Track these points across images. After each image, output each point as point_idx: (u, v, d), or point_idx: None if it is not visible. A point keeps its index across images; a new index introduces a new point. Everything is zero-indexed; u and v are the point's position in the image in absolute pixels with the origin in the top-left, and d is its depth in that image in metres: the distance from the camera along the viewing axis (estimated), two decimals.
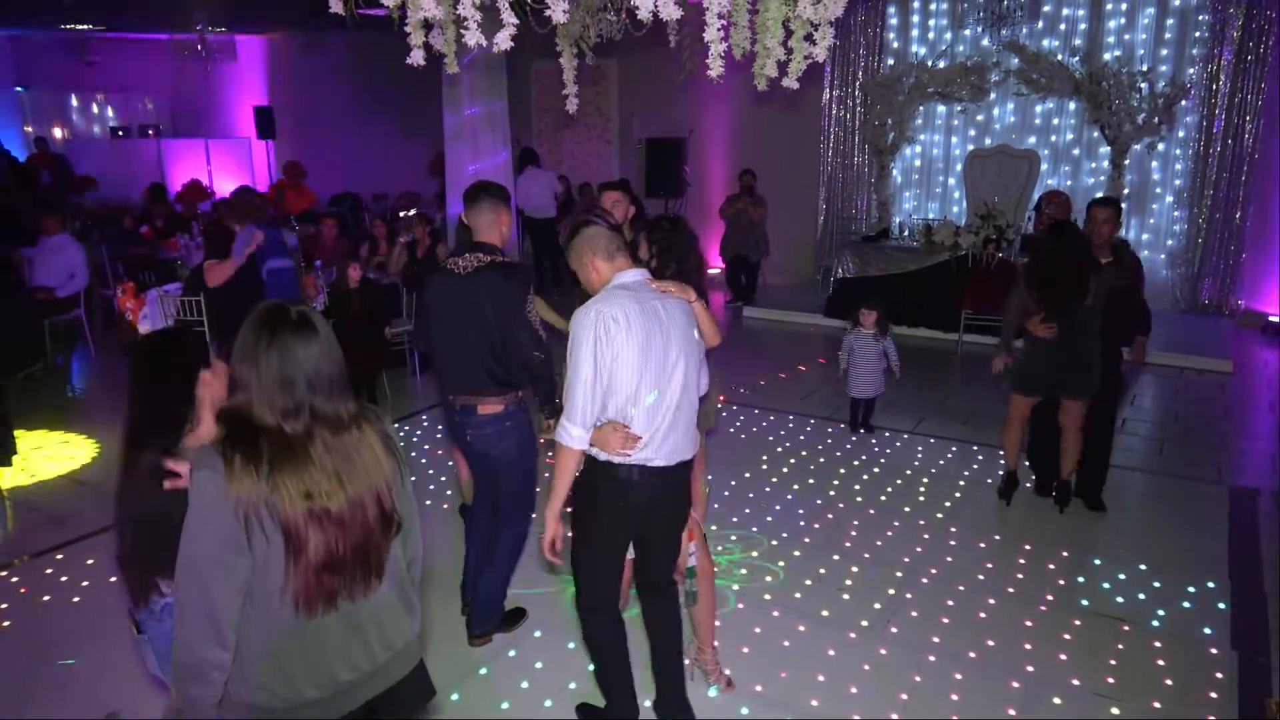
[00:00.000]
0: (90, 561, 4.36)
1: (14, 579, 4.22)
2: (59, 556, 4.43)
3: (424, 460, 5.65)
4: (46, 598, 4.07)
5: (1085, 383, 4.56)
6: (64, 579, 4.22)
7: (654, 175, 10.90)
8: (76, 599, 4.05)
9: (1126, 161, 8.41)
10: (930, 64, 9.32)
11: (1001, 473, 5.08)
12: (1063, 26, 9.12)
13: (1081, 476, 4.90)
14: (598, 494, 2.74)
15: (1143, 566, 4.26)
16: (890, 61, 9.93)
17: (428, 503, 5.00)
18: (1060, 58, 8.68)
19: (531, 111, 12.55)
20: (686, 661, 3.42)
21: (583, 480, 2.75)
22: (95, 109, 15.50)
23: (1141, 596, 4.01)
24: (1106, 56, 8.70)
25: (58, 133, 14.69)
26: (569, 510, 2.81)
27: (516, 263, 3.58)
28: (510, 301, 3.30)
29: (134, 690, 3.29)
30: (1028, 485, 5.12)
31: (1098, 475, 4.91)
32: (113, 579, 4.19)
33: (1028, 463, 5.15)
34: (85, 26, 13.48)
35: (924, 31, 9.83)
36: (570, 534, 2.86)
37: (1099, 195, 5.57)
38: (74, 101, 15.22)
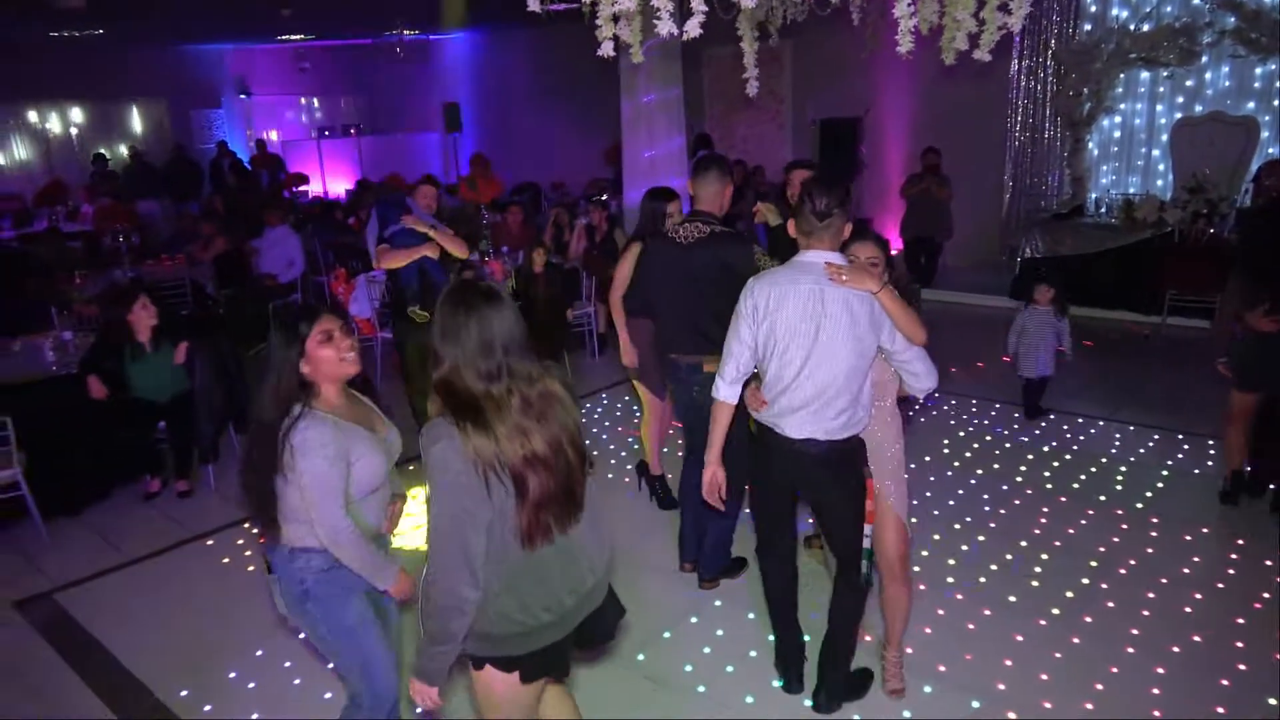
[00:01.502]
0: None
1: (255, 530, 4.77)
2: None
3: (605, 437, 5.89)
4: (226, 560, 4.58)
5: None
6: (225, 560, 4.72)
7: (828, 156, 10.74)
8: (251, 568, 4.53)
9: None
10: (1133, 27, 8.67)
11: (1225, 475, 4.66)
12: None
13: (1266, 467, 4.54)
14: (750, 441, 3.06)
15: None
16: (1087, 27, 9.30)
17: (609, 476, 5.23)
18: None
19: (704, 97, 12.64)
20: (868, 639, 3.48)
21: (743, 431, 3.10)
22: (304, 113, 16.92)
23: None
24: None
25: (274, 135, 16.13)
26: None
27: (738, 232, 3.82)
28: (739, 267, 3.46)
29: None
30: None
31: None
32: None
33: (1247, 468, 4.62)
34: (299, 37, 14.73)
35: None
36: None
37: None
38: (288, 106, 16.67)
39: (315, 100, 16.95)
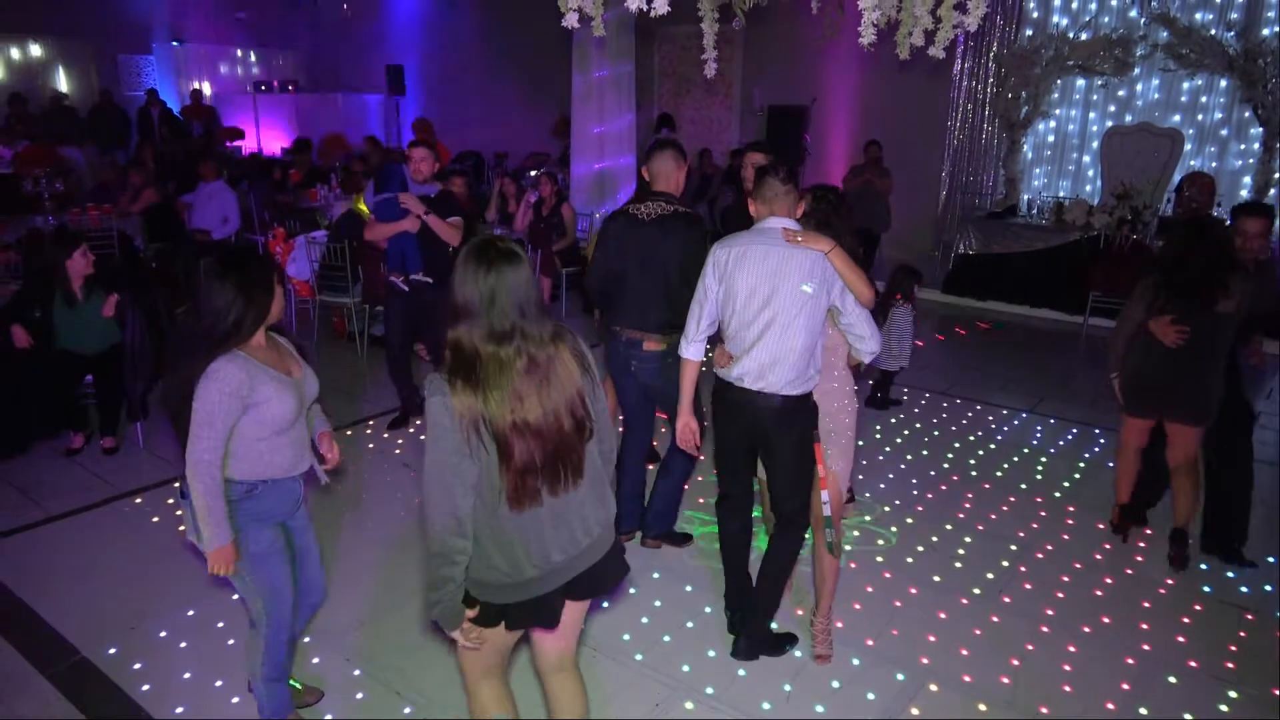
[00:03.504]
0: None
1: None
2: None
3: None
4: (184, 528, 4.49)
5: (1199, 403, 3.85)
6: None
7: (774, 142, 10.86)
8: None
9: (1279, 144, 7.96)
10: (1072, 35, 8.98)
11: (1113, 509, 4.39)
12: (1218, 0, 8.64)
13: (1212, 522, 4.18)
14: (713, 397, 3.23)
15: (1271, 559, 4.16)
16: (1029, 32, 9.59)
17: None
18: (1214, 32, 8.25)
19: (655, 76, 12.64)
20: (799, 613, 3.61)
21: (712, 388, 3.25)
22: (240, 65, 16.33)
23: (1269, 588, 3.93)
24: (1265, 32, 8.20)
25: (206, 87, 15.55)
26: None
27: (697, 215, 3.87)
28: (694, 248, 3.57)
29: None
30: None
31: (1238, 521, 4.11)
32: None
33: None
34: None
35: (1066, 2, 9.45)
36: None
37: (1249, 201, 4.68)
38: (222, 57, 16.06)
39: (252, 53, 16.37)
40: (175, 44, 15.19)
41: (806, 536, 3.28)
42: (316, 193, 9.71)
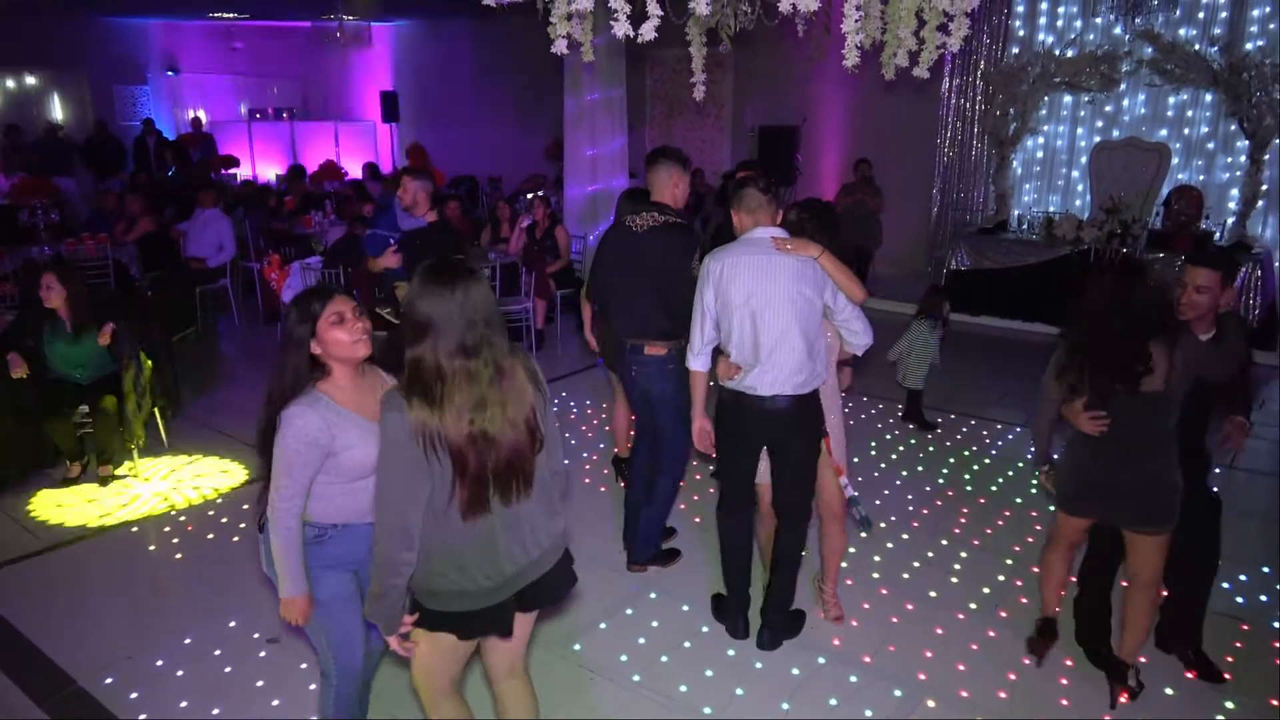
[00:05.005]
0: (245, 507, 4.78)
1: (182, 518, 4.68)
2: (219, 501, 4.88)
3: None
4: (210, 536, 4.50)
5: (1155, 502, 3.00)
6: (224, 520, 4.65)
7: (765, 163, 10.94)
8: (235, 538, 4.47)
9: (1266, 157, 8.01)
10: (1058, 53, 9.07)
11: (1037, 621, 3.52)
12: (1201, 15, 8.72)
13: (1168, 627, 3.47)
14: (718, 410, 3.37)
15: (1266, 570, 4.17)
16: (1015, 50, 9.69)
17: (566, 462, 5.26)
18: (1198, 48, 8.34)
19: (646, 98, 12.74)
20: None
21: (715, 396, 3.38)
22: (234, 94, 16.45)
23: (1264, 599, 3.95)
24: (1249, 46, 8.29)
25: (202, 115, 15.67)
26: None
27: (686, 224, 3.97)
28: (678, 257, 3.71)
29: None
30: None
31: (1190, 623, 3.43)
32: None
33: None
34: (232, 15, 14.33)
35: (1052, 19, 9.57)
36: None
37: (1204, 251, 4.04)
38: (218, 86, 16.18)
39: (247, 81, 16.50)
40: (170, 74, 15.32)
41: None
42: (311, 219, 9.76)
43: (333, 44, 13.47)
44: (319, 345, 2.39)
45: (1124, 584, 3.25)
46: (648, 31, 3.32)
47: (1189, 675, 3.38)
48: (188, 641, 3.60)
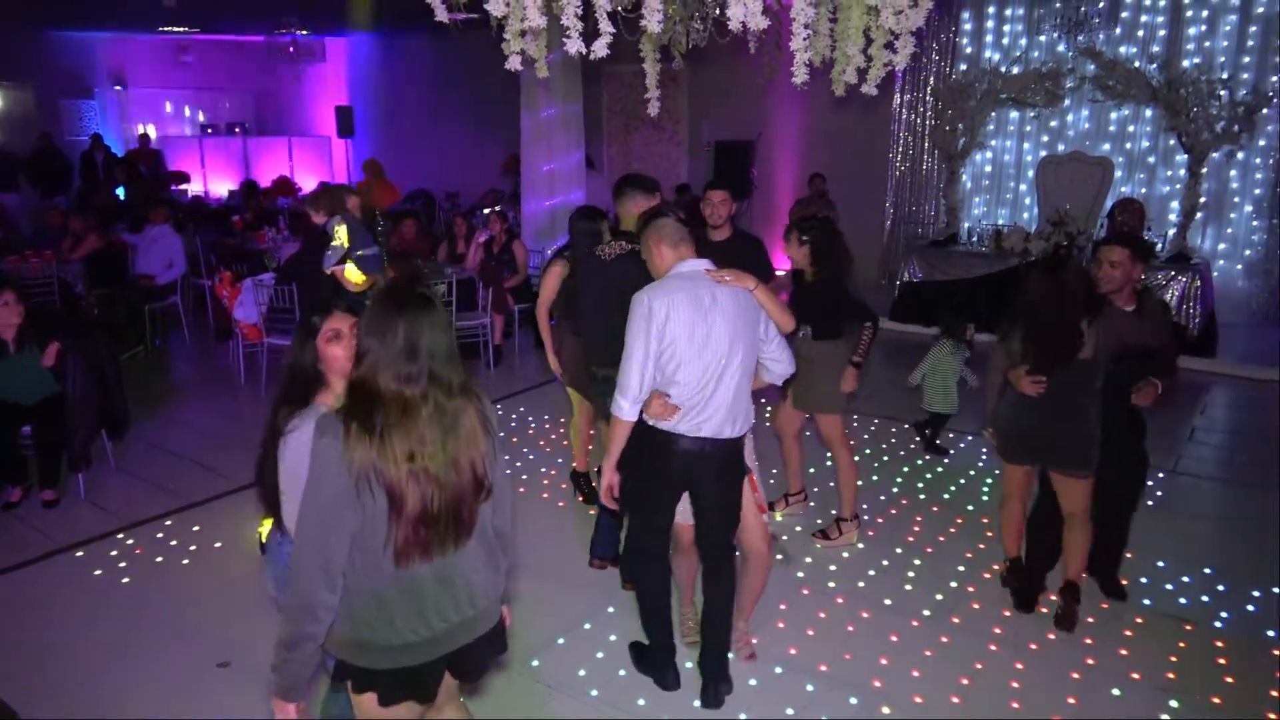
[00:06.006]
0: (196, 528, 4.70)
1: (129, 541, 4.58)
2: (168, 523, 4.78)
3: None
4: (159, 559, 4.41)
5: (1082, 450, 3.60)
6: (173, 543, 4.56)
7: (722, 177, 11.05)
8: (185, 560, 4.38)
9: (1204, 170, 8.28)
10: (1004, 69, 9.31)
11: (1003, 565, 4.13)
12: (1141, 33, 9.03)
13: (1103, 555, 4.03)
14: (644, 453, 3.09)
15: (1208, 570, 4.29)
16: (963, 66, 9.93)
17: (524, 478, 5.24)
18: (1138, 64, 8.60)
19: (603, 113, 12.80)
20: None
21: (635, 440, 3.08)
22: (187, 108, 16.21)
23: (1206, 599, 4.05)
24: (1186, 63, 8.58)
25: (152, 130, 15.41)
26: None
27: None
28: (640, 286, 3.59)
29: (243, 642, 3.58)
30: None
31: (1111, 558, 4.05)
32: (218, 544, 4.53)
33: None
34: (182, 29, 14.14)
35: (998, 37, 9.82)
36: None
37: (1116, 233, 4.60)
38: (168, 100, 15.93)
39: (198, 96, 16.26)
40: (118, 88, 15.05)
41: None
42: (264, 235, 9.65)
43: (286, 59, 13.36)
44: (318, 360, 2.43)
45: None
46: (600, 49, 3.34)
47: (1103, 605, 3.96)
48: (135, 669, 3.52)
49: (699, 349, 2.93)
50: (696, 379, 2.95)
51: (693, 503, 3.19)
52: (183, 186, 13.96)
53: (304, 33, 13.45)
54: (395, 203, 11.25)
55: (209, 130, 15.68)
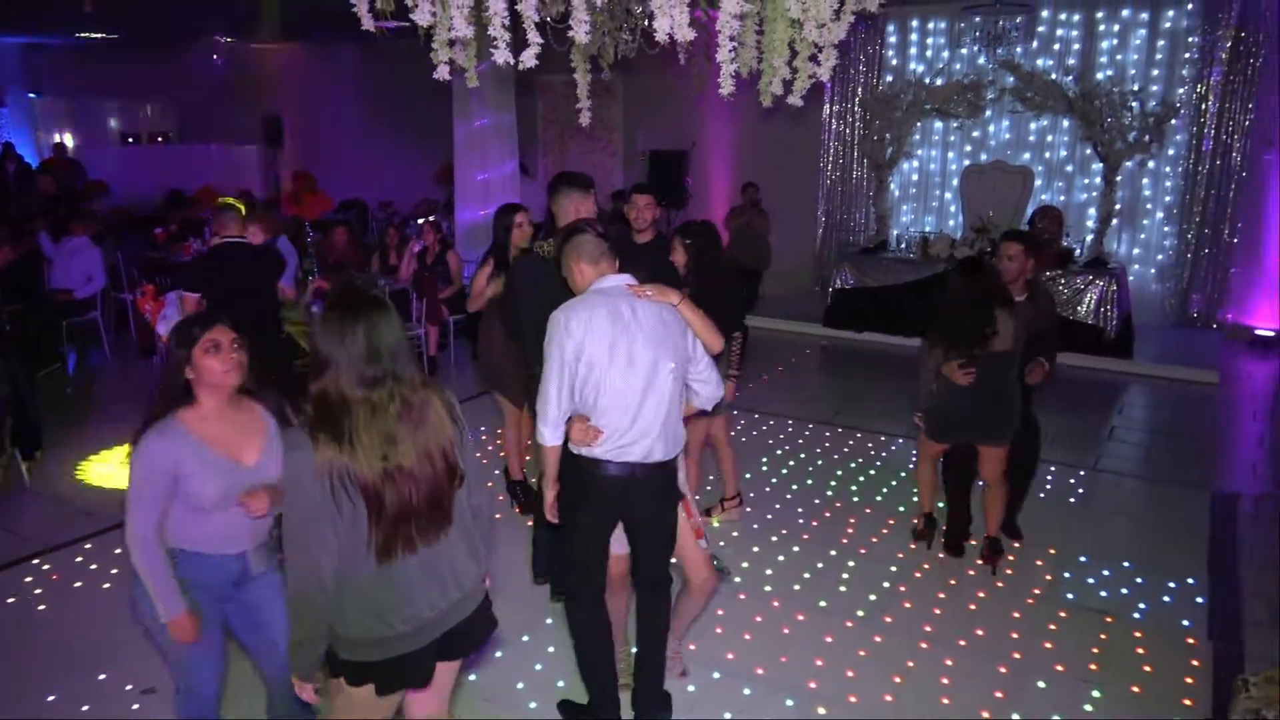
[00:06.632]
0: (118, 551, 4.53)
1: (45, 566, 4.40)
2: (88, 546, 4.61)
3: None
4: (78, 584, 4.25)
5: (1006, 424, 4.21)
6: (93, 567, 4.40)
7: (657, 186, 11.11)
8: (106, 585, 4.23)
9: (1118, 178, 8.62)
10: (928, 81, 9.55)
11: (917, 518, 4.74)
12: (1057, 47, 9.37)
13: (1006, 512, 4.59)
14: (571, 483, 2.94)
15: (1127, 564, 4.45)
16: (889, 78, 10.17)
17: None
18: (1054, 77, 8.91)
19: (538, 122, 12.78)
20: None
21: (563, 470, 2.95)
22: (105, 116, 15.70)
23: (1125, 591, 4.21)
24: (1099, 76, 8.93)
25: (69, 139, 14.89)
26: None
27: None
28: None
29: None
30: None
31: (1013, 506, 4.63)
32: None
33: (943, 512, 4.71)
34: (101, 35, 13.70)
35: (922, 50, 10.09)
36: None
37: (1014, 229, 5.03)
38: (85, 108, 15.41)
39: (118, 104, 15.76)
40: (32, 96, 14.51)
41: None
42: (190, 247, 9.38)
43: (211, 66, 13.04)
44: (192, 370, 2.43)
45: (981, 483, 4.45)
46: (528, 59, 3.34)
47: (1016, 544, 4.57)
48: (51, 699, 3.39)
49: (621, 368, 2.76)
50: (619, 400, 2.78)
51: (626, 532, 3.03)
52: (101, 197, 13.48)
53: (229, 40, 13.15)
54: (326, 212, 11.04)
55: (130, 140, 15.21)
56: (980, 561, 4.41)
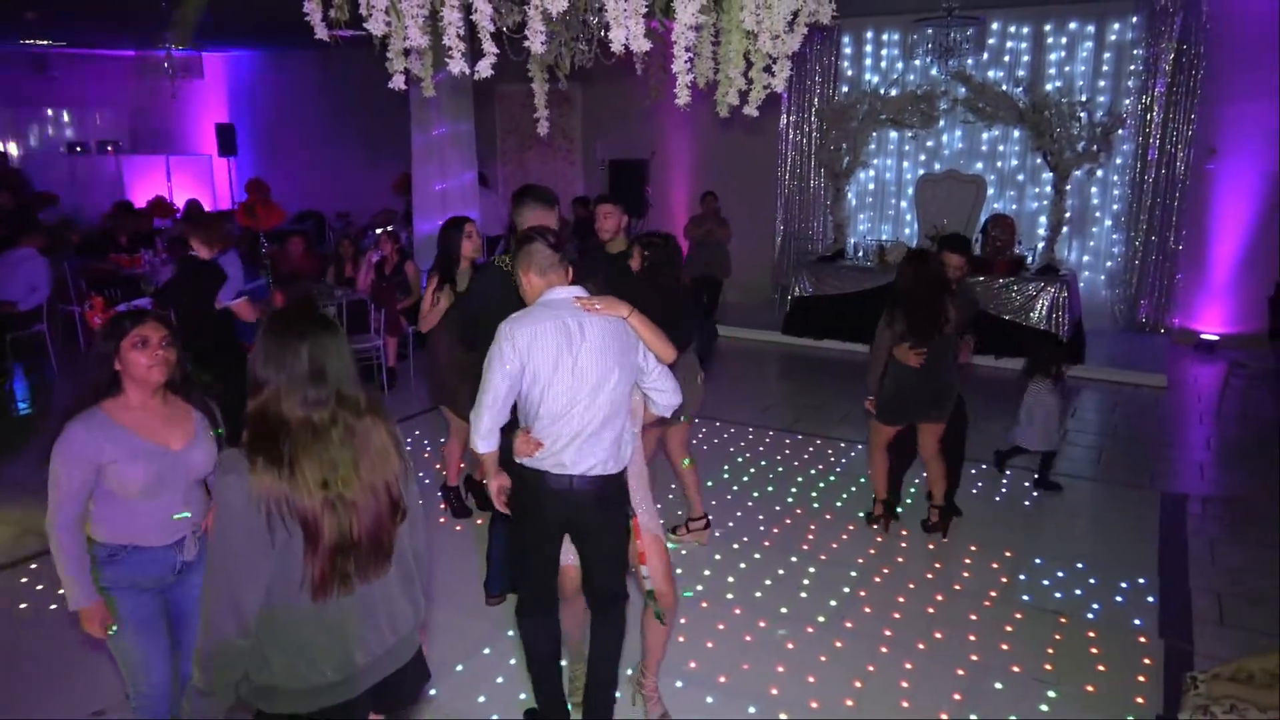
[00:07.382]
0: None
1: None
2: (33, 566, 4.49)
3: None
4: (23, 605, 4.14)
5: (947, 401, 4.63)
6: (39, 588, 4.28)
7: (617, 195, 11.12)
8: (53, 606, 4.12)
9: (1068, 187, 8.81)
10: (883, 92, 9.70)
11: (875, 501, 4.98)
12: (1007, 58, 9.57)
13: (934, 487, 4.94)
14: (518, 495, 2.93)
15: (1080, 565, 4.53)
16: (845, 89, 10.31)
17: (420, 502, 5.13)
18: (1005, 88, 9.10)
19: (496, 132, 12.75)
20: (628, 672, 3.41)
21: (513, 483, 2.95)
22: (52, 125, 15.34)
23: (1078, 592, 4.29)
24: (1048, 87, 9.13)
25: (13, 148, 14.52)
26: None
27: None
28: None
29: (117, 688, 3.37)
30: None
31: (952, 484, 4.95)
32: None
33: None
34: (46, 42, 13.39)
35: (876, 61, 10.24)
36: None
37: (950, 234, 5.13)
38: (30, 117, 15.03)
39: (65, 113, 15.40)
40: None
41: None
42: (141, 258, 9.21)
43: (161, 73, 12.78)
44: (120, 363, 2.50)
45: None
46: (484, 69, 3.33)
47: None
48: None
49: (566, 381, 2.74)
50: (562, 413, 2.76)
51: (574, 544, 3.00)
52: (49, 208, 13.16)
53: (179, 47, 12.91)
54: (281, 223, 10.87)
55: (78, 149, 14.87)
56: (932, 529, 4.85)
